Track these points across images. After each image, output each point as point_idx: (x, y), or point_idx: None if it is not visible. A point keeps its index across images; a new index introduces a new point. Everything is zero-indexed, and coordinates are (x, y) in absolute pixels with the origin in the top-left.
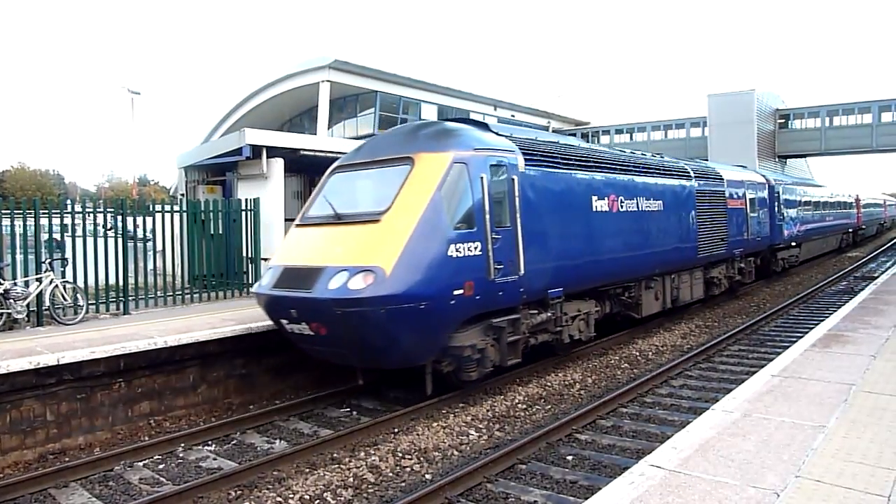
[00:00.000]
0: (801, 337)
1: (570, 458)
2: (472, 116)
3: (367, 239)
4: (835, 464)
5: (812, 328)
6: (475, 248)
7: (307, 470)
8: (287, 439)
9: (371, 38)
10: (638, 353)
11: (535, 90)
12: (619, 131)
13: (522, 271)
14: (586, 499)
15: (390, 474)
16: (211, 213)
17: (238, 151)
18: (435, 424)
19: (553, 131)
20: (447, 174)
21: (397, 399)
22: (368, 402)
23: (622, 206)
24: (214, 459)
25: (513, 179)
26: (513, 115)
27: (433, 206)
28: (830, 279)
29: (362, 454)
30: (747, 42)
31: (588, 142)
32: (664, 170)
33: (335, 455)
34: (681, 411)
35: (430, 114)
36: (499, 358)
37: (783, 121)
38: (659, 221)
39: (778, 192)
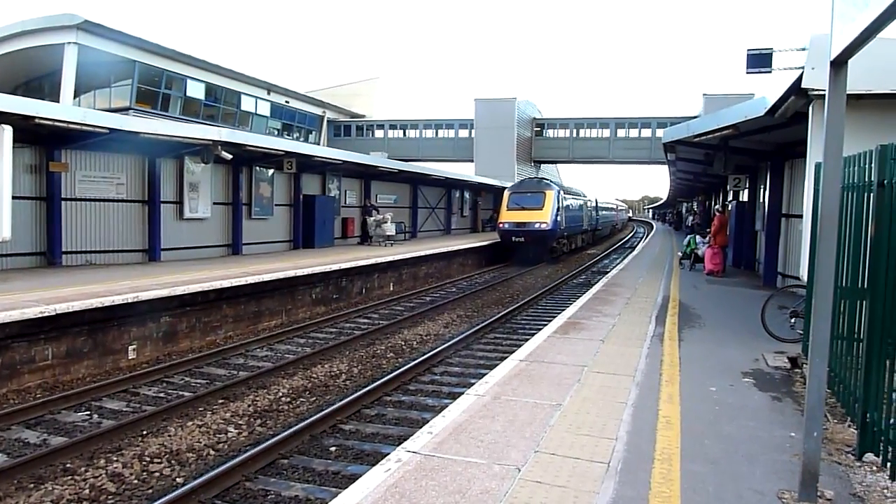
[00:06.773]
0: (546, 325)
1: (333, 449)
2: (244, 98)
3: (540, 214)
4: (568, 437)
5: (555, 317)
6: (561, 217)
7: (31, 486)
8: (8, 451)
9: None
10: (403, 343)
11: (315, 80)
12: (392, 126)
13: (564, 225)
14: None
15: (135, 481)
16: None
17: None
18: (190, 423)
19: (328, 121)
20: (556, 196)
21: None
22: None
23: (580, 206)
24: None
25: (561, 197)
26: (287, 102)
27: (553, 205)
28: (573, 273)
29: (102, 462)
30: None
31: (363, 135)
32: (581, 195)
33: (68, 466)
34: (440, 397)
35: (196, 91)
36: (564, 251)
37: (539, 129)
38: (581, 213)
39: (596, 202)
